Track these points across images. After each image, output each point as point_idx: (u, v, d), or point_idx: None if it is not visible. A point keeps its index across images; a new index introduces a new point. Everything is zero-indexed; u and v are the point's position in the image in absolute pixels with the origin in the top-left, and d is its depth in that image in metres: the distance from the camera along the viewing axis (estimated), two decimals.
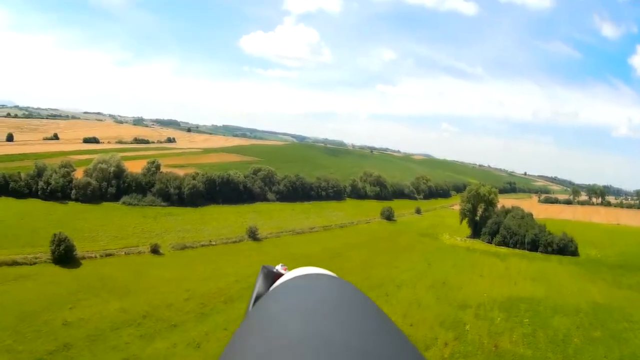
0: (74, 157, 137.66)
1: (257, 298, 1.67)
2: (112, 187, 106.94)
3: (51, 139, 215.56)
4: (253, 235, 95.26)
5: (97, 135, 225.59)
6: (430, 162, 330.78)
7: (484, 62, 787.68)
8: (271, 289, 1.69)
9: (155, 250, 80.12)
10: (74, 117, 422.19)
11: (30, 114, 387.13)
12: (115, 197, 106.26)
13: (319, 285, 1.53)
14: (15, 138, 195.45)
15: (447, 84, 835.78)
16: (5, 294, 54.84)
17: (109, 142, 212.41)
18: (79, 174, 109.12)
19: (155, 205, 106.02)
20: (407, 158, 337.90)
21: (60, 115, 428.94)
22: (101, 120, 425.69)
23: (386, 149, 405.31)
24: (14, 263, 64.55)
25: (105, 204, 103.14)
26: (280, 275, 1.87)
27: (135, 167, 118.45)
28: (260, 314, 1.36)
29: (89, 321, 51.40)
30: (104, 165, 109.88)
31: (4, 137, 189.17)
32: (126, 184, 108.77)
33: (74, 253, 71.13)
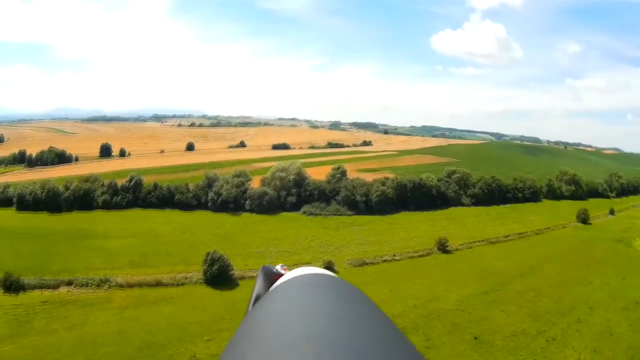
0: (257, 164, 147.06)
1: (257, 298, 1.82)
2: (292, 196, 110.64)
3: (237, 146, 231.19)
4: (442, 247, 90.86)
5: (288, 141, 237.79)
6: (619, 157, 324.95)
7: None
8: (271, 289, 1.80)
9: (329, 268, 76.58)
10: (266, 124, 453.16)
11: (218, 122, 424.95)
12: (296, 207, 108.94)
13: (318, 285, 1.61)
14: (197, 147, 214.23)
15: (632, 75, 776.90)
16: (134, 320, 55.31)
17: (300, 148, 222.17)
18: (255, 183, 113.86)
19: (340, 215, 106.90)
20: (598, 153, 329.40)
21: (251, 123, 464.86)
22: (295, 126, 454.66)
23: (578, 144, 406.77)
24: (158, 284, 65.70)
25: (283, 214, 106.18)
26: (280, 275, 2.01)
27: (320, 174, 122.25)
28: (260, 314, 1.42)
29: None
30: (282, 174, 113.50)
31: (185, 147, 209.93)
32: (308, 193, 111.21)
33: (230, 273, 71.09)
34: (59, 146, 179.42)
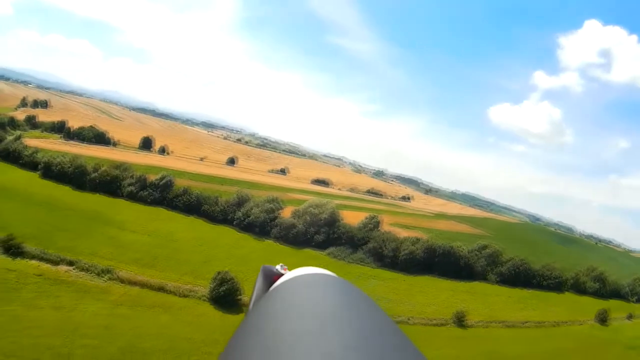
0: (292, 195, 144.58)
1: (257, 298, 1.90)
2: (321, 234, 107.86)
3: (278, 172, 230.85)
4: (459, 320, 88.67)
5: (329, 179, 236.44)
6: None
7: None
8: (271, 289, 1.87)
9: None
10: (312, 157, 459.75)
11: (265, 144, 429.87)
12: (322, 246, 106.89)
13: (318, 285, 1.64)
14: (238, 164, 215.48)
15: None
16: (125, 319, 53.47)
17: (340, 189, 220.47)
18: (286, 213, 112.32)
19: (364, 264, 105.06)
20: (626, 254, 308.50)
21: (298, 152, 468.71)
22: (339, 167, 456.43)
23: (609, 241, 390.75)
24: (161, 289, 64.05)
25: (307, 250, 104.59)
26: (280, 275, 2.08)
27: (353, 219, 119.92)
28: (260, 314, 1.45)
29: None
30: (315, 210, 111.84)
31: (226, 160, 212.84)
32: (337, 235, 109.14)
33: (238, 298, 68.80)
34: (101, 127, 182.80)
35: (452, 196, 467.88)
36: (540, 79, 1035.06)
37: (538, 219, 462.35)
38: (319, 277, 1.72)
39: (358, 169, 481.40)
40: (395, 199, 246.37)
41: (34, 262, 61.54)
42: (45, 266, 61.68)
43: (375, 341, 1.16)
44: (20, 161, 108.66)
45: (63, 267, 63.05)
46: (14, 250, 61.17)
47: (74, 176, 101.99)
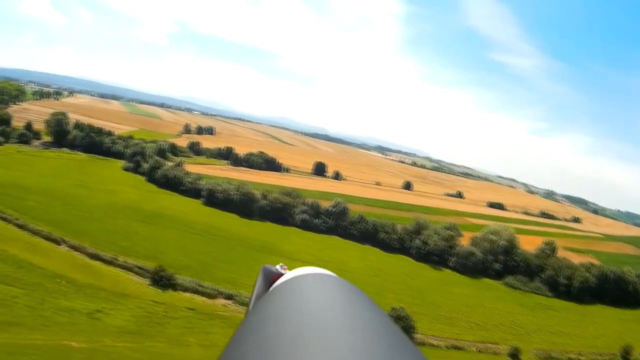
0: (469, 219, 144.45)
1: (257, 298, 1.88)
2: (498, 262, 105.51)
3: (453, 196, 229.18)
4: (625, 356, 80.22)
5: (503, 202, 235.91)
6: None
7: None
8: (271, 289, 1.86)
9: (514, 355, 69.47)
10: (486, 179, 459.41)
11: (440, 167, 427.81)
12: (498, 275, 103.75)
13: (318, 285, 1.65)
14: (414, 188, 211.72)
15: None
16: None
17: (514, 211, 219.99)
18: (464, 240, 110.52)
19: (539, 294, 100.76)
20: None
21: (471, 174, 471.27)
22: (512, 187, 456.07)
23: None
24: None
25: (484, 280, 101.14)
26: (280, 275, 2.05)
27: (529, 244, 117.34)
28: (260, 313, 1.46)
29: None
30: (494, 237, 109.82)
31: (402, 184, 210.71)
32: (514, 263, 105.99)
33: (411, 337, 61.73)
34: (270, 153, 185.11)
35: (617, 215, 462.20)
36: None
37: None
38: (319, 277, 1.71)
39: (530, 190, 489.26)
40: (566, 221, 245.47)
41: (186, 294, 58.81)
42: (199, 299, 58.68)
43: (375, 341, 1.17)
44: (182, 187, 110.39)
45: (220, 301, 59.63)
46: (164, 281, 58.04)
47: (241, 203, 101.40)
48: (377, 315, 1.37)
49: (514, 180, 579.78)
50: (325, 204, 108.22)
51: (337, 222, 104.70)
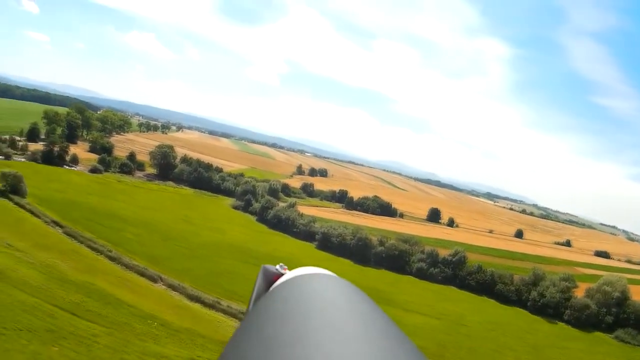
0: (579, 269, 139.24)
1: (257, 298, 1.84)
2: (611, 315, 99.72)
3: (562, 244, 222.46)
4: None
5: (608, 250, 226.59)
6: None
7: None
8: (271, 289, 1.83)
9: None
10: (590, 227, 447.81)
11: (547, 215, 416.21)
12: (609, 328, 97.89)
13: (318, 285, 1.63)
14: (524, 236, 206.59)
15: None
16: None
17: (619, 260, 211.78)
18: (579, 292, 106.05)
19: None
20: None
21: (576, 222, 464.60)
22: (614, 235, 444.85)
23: None
24: None
25: (596, 334, 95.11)
26: (280, 275, 2.02)
27: (635, 294, 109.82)
28: (260, 313, 1.46)
29: None
30: (608, 288, 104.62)
31: (514, 232, 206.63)
32: (625, 315, 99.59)
33: None
34: (384, 197, 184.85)
35: None
36: None
37: None
38: (319, 277, 1.68)
39: (631, 237, 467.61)
40: None
41: None
42: None
43: (375, 341, 1.18)
44: (294, 230, 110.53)
45: None
46: None
47: (356, 249, 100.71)
48: (378, 315, 1.37)
49: (614, 227, 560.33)
50: (443, 252, 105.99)
51: (455, 272, 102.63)
